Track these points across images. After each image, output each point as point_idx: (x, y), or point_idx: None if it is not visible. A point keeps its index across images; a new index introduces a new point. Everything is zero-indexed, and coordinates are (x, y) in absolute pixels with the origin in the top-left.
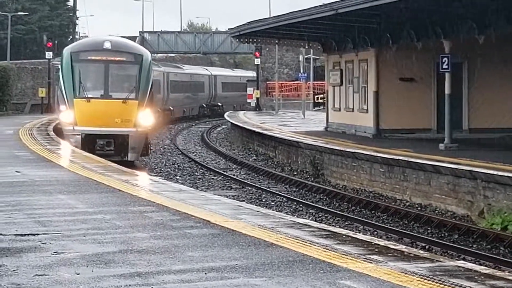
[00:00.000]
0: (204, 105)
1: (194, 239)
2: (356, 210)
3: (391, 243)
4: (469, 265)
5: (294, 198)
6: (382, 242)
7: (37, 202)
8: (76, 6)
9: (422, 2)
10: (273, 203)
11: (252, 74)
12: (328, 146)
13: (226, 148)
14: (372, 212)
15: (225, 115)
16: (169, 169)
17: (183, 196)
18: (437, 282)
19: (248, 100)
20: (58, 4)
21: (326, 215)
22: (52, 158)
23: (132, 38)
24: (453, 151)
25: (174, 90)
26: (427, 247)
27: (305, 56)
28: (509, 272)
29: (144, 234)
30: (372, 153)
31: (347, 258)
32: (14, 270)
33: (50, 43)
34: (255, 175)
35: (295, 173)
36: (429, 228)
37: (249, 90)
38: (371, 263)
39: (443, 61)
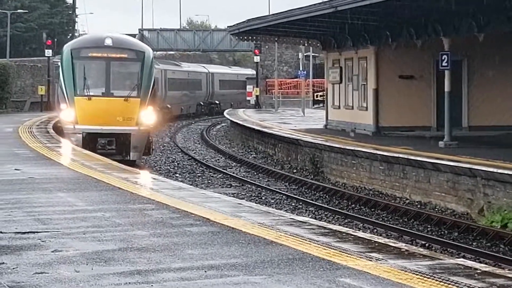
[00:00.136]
0: (202, 103)
1: (194, 237)
2: (356, 208)
3: (391, 241)
4: (469, 263)
5: (294, 196)
6: (382, 240)
7: (36, 200)
8: (76, 4)
9: (421, 0)
10: (272, 201)
11: (249, 71)
12: (327, 143)
13: (226, 146)
14: (372, 210)
15: (225, 113)
16: (168, 167)
17: (183, 194)
18: (437, 280)
19: (248, 98)
20: (58, 2)
21: (325, 213)
22: (51, 156)
23: (132, 36)
24: (453, 149)
25: (171, 87)
26: (427, 245)
27: (305, 54)
28: (509, 269)
29: (143, 232)
30: (372, 151)
31: (347, 256)
32: (14, 268)
33: (50, 41)
34: (255, 173)
35: (295, 170)
36: (428, 226)
37: (249, 87)
38: (371, 260)
39: (443, 58)
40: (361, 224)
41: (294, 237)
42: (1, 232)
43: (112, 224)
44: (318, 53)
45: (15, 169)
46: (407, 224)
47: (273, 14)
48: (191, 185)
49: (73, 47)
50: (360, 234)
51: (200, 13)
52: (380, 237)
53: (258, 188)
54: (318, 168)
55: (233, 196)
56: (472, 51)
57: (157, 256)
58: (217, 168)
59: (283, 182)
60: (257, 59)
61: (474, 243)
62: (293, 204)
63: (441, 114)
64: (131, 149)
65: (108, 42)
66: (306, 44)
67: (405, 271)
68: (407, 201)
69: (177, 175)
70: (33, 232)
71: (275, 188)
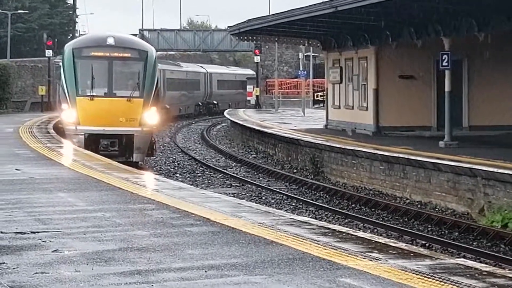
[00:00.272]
0: (200, 103)
1: (194, 237)
2: (356, 208)
3: (391, 240)
4: (469, 262)
5: (294, 196)
6: (382, 240)
7: (37, 200)
8: (76, 4)
9: (422, 0)
10: (273, 201)
11: (247, 71)
12: (328, 143)
13: (226, 146)
14: (372, 209)
15: (225, 113)
16: (169, 167)
17: (183, 194)
18: (437, 280)
19: (248, 98)
20: (58, 2)
21: (326, 213)
22: (52, 156)
23: None
24: (453, 149)
25: (170, 88)
26: (427, 244)
27: (305, 54)
28: (509, 269)
29: (144, 232)
30: (372, 151)
31: (347, 256)
32: (14, 268)
33: (50, 41)
34: (255, 173)
35: (295, 170)
36: (429, 226)
37: (249, 87)
38: (371, 260)
39: (443, 58)
40: (362, 224)
41: (294, 237)
42: (2, 232)
43: (112, 224)
44: (318, 53)
45: (16, 169)
46: (407, 224)
47: (273, 14)
48: (191, 185)
49: (74, 47)
50: (361, 234)
51: (201, 13)
52: (380, 237)
53: (258, 188)
54: (318, 168)
55: (233, 196)
56: (472, 51)
57: (157, 256)
58: (217, 168)
59: (283, 182)
60: (257, 59)
61: (474, 243)
62: (293, 204)
63: (441, 114)
64: (134, 150)
65: (111, 41)
66: (306, 44)
67: (406, 271)
68: (408, 201)
69: (178, 175)
70: (34, 232)
71: (276, 188)
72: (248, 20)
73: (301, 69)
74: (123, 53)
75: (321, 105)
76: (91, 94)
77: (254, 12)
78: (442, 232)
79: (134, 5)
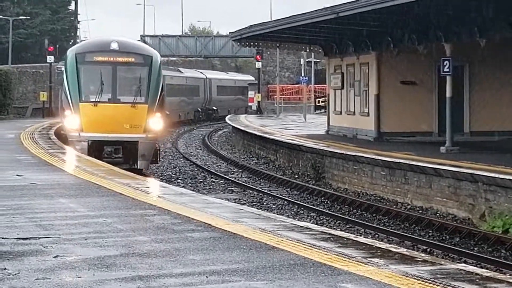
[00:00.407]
0: (200, 109)
1: (195, 243)
2: (357, 213)
3: (392, 246)
4: (470, 268)
5: (295, 201)
6: (383, 245)
7: (38, 206)
8: (78, 10)
9: (424, 6)
10: (274, 206)
11: (247, 77)
12: (329, 149)
13: (227, 151)
14: (373, 215)
15: (226, 119)
16: (170, 173)
17: (184, 199)
18: (438, 285)
19: (250, 104)
20: (60, 8)
21: (327, 218)
22: (53, 162)
23: None
24: (454, 154)
25: (169, 93)
26: (428, 250)
27: (306, 60)
28: (510, 275)
29: (145, 238)
30: (374, 157)
31: (349, 261)
32: (15, 274)
33: (52, 47)
34: (256, 179)
35: (296, 176)
36: (430, 231)
37: (250, 93)
38: (372, 266)
39: (444, 64)
40: (363, 230)
41: (295, 243)
42: (3, 238)
43: (113, 229)
44: (320, 59)
45: (17, 175)
46: (408, 230)
47: (275, 20)
48: (192, 190)
49: (77, 51)
50: (362, 239)
51: (202, 19)
52: (381, 242)
53: (260, 194)
54: (319, 174)
55: (235, 202)
56: (473, 57)
57: (158, 262)
58: (218, 173)
59: (284, 187)
60: (259, 65)
61: (475, 248)
62: (294, 209)
63: (442, 120)
64: (139, 157)
65: (114, 46)
66: (307, 50)
67: (407, 277)
68: (409, 207)
69: (179, 180)
70: (35, 238)
71: (277, 194)
72: (250, 26)
73: (302, 75)
74: (127, 58)
75: (323, 111)
76: (95, 100)
77: (255, 18)
78: (443, 238)
79: (135, 11)
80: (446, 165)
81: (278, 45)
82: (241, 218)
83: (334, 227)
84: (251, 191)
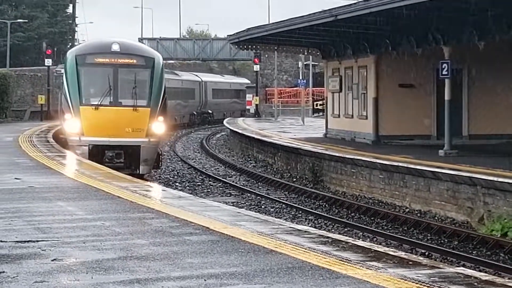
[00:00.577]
0: (195, 113)
1: (193, 246)
2: (356, 217)
3: (391, 249)
4: (469, 271)
5: (293, 204)
6: (382, 249)
7: (36, 209)
8: (75, 13)
9: (422, 9)
10: (272, 210)
11: (242, 80)
12: (327, 152)
13: (225, 154)
14: (372, 218)
15: (224, 122)
16: (168, 176)
17: (182, 202)
18: None
19: (247, 107)
20: (57, 11)
21: (325, 222)
22: (51, 165)
23: None
24: (453, 158)
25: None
26: (426, 253)
27: (304, 63)
28: (509, 278)
29: (143, 241)
30: (372, 160)
31: (347, 265)
32: (14, 277)
33: (50, 50)
34: (254, 182)
35: (294, 179)
36: (428, 235)
37: (248, 96)
38: (371, 269)
39: (443, 67)
40: (361, 233)
41: (293, 246)
42: (1, 241)
43: (111, 233)
44: (318, 62)
45: (15, 178)
46: (407, 233)
47: (273, 23)
48: (190, 194)
49: (77, 53)
50: (360, 242)
51: (200, 22)
52: (379, 245)
53: (258, 197)
54: (317, 177)
55: (233, 205)
56: (472, 60)
57: (156, 265)
58: (216, 177)
59: (282, 191)
60: (256, 68)
61: (474, 252)
62: (292, 213)
63: (441, 123)
64: (141, 162)
65: (115, 47)
66: (306, 53)
67: (405, 280)
68: (407, 210)
69: (177, 184)
70: (33, 241)
71: (275, 197)
72: (248, 29)
73: (300, 78)
74: (128, 59)
75: (321, 114)
76: (96, 103)
77: (253, 21)
78: (442, 241)
79: (133, 14)
80: (444, 168)
81: (276, 48)
82: (239, 221)
83: (332, 230)
84: (249, 194)
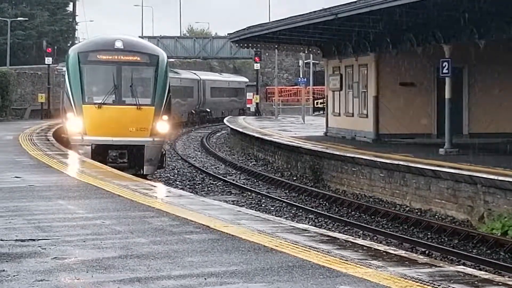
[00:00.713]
0: (193, 111)
1: (194, 244)
2: (356, 215)
3: (391, 248)
4: (469, 270)
5: (294, 203)
6: (382, 247)
7: (37, 208)
8: (76, 12)
9: (422, 7)
10: (272, 208)
11: (241, 78)
12: (328, 151)
13: (226, 153)
14: (372, 217)
15: (225, 120)
16: (168, 174)
17: (183, 201)
18: (437, 287)
19: (248, 105)
20: (58, 9)
21: (325, 220)
22: (51, 164)
23: None
24: (453, 156)
25: None
26: (427, 252)
27: (305, 61)
28: (509, 277)
29: (143, 240)
30: (372, 158)
31: (347, 263)
32: (14, 276)
33: (50, 49)
34: (255, 180)
35: (295, 178)
36: (429, 233)
37: (249, 95)
38: (371, 268)
39: (443, 65)
40: (361, 232)
41: (294, 245)
42: (2, 240)
43: (112, 231)
44: (318, 60)
45: (15, 177)
46: (407, 232)
47: (273, 21)
48: (191, 192)
49: (80, 50)
50: (360, 241)
51: (201, 20)
52: (380, 244)
53: (258, 196)
54: (318, 176)
55: (233, 204)
56: (473, 58)
57: (157, 264)
58: (217, 175)
59: (283, 189)
60: (257, 66)
61: (474, 251)
62: (293, 211)
63: (441, 121)
64: (145, 162)
65: (119, 44)
66: (306, 51)
67: (405, 279)
68: (407, 208)
69: (177, 182)
70: (33, 240)
71: (275, 196)
72: (248, 27)
73: (301, 76)
74: (132, 57)
75: (321, 112)
76: (99, 101)
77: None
78: (442, 240)
79: (133, 13)
80: (445, 167)
81: (276, 46)
82: (239, 220)
83: (333, 229)
84: (249, 193)
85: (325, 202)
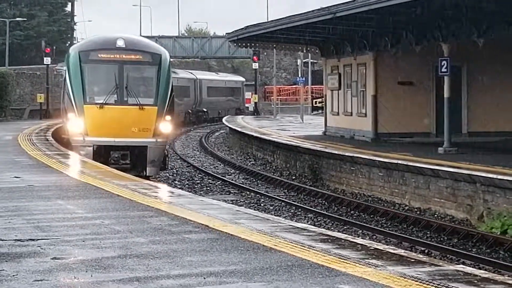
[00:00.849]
0: (190, 111)
1: (193, 244)
2: (355, 214)
3: (390, 247)
4: (469, 269)
5: (293, 202)
6: (381, 246)
7: (36, 208)
8: (74, 12)
9: (421, 5)
10: (271, 208)
11: (237, 78)
12: (326, 150)
13: (225, 152)
14: (371, 216)
15: (224, 120)
16: (167, 174)
17: (182, 201)
18: (436, 286)
19: (246, 105)
20: (56, 10)
21: (324, 220)
22: (51, 164)
23: None
24: (452, 155)
25: None
26: (426, 251)
27: (303, 60)
28: (508, 276)
29: (143, 239)
30: (371, 157)
31: (346, 263)
32: (13, 275)
33: (49, 49)
34: (254, 180)
35: (294, 177)
36: (428, 232)
37: (247, 94)
38: (370, 267)
39: (442, 64)
40: (360, 231)
41: (293, 244)
42: (1, 240)
43: (111, 231)
44: (317, 59)
45: (15, 177)
46: (406, 231)
47: (272, 21)
48: (190, 192)
49: (81, 49)
50: (359, 240)
51: (199, 20)
52: (379, 243)
53: (257, 195)
54: (317, 175)
55: (232, 203)
56: (471, 57)
57: (156, 263)
58: (216, 175)
59: (282, 188)
60: (255, 65)
61: (473, 250)
62: (292, 210)
63: (440, 120)
64: (148, 163)
65: (120, 43)
66: (304, 51)
67: (404, 278)
68: (406, 208)
69: (176, 182)
70: (33, 240)
71: (274, 195)
72: (246, 26)
73: (299, 75)
74: (134, 56)
75: (320, 111)
76: (100, 101)
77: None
78: (441, 239)
79: (132, 12)
80: (444, 166)
81: (274, 45)
82: (238, 219)
83: (332, 228)
84: (248, 193)
85: (324, 201)
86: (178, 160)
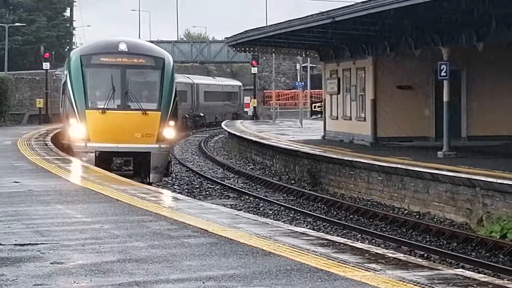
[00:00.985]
0: (187, 116)
1: (192, 248)
2: (354, 219)
3: (389, 251)
4: (468, 273)
5: (292, 207)
6: (380, 251)
7: (35, 212)
8: (73, 17)
9: (420, 10)
10: (270, 212)
11: (234, 82)
12: (325, 154)
13: (224, 157)
14: (370, 220)
15: (222, 124)
16: (166, 179)
17: (181, 205)
18: None
19: (245, 109)
20: (55, 15)
21: (324, 224)
22: (50, 169)
23: None
24: (452, 159)
25: None
26: (425, 255)
27: (302, 65)
28: (508, 280)
29: (142, 244)
30: (370, 162)
31: (345, 267)
32: (13, 280)
33: (48, 54)
34: (253, 184)
35: (293, 182)
36: (427, 236)
37: (246, 99)
38: (369, 271)
39: (441, 68)
40: (359, 235)
41: (292, 248)
42: (1, 244)
43: (110, 235)
44: (316, 64)
45: (14, 182)
46: (405, 235)
47: (270, 25)
48: (189, 196)
49: (82, 53)
50: (358, 244)
51: (198, 24)
52: (378, 247)
53: (256, 199)
54: (316, 179)
55: (231, 207)
56: (471, 61)
57: (155, 268)
58: (215, 179)
59: (281, 193)
60: (254, 70)
61: (473, 253)
62: (291, 215)
63: (439, 124)
64: (151, 170)
65: (123, 47)
66: (303, 55)
67: (404, 282)
68: (406, 212)
69: (175, 186)
70: (32, 244)
71: (273, 199)
72: (245, 31)
73: (298, 80)
74: (137, 60)
75: (319, 116)
76: (102, 106)
77: (251, 23)
78: (441, 243)
79: (131, 17)
80: (443, 170)
81: (273, 50)
82: (237, 223)
83: (331, 232)
84: (247, 197)
85: (323, 206)
86: (177, 165)
